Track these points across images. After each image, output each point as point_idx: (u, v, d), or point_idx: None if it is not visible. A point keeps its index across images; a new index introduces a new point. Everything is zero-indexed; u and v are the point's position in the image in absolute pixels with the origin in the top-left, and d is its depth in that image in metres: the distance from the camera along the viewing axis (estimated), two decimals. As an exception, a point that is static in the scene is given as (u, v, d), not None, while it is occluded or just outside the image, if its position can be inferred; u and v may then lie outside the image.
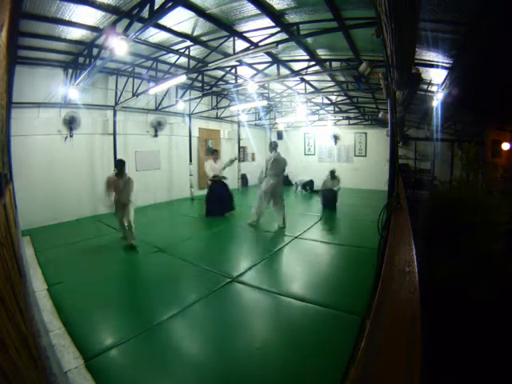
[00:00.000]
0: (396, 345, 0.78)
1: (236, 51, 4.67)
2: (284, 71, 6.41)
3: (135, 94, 6.80)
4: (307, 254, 4.60)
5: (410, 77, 3.42)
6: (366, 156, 12.04)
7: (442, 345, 1.92)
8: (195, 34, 4.88)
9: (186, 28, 4.64)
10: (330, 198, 7.77)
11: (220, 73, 7.01)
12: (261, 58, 6.02)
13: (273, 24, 4.24)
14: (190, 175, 9.40)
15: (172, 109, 8.52)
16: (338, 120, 12.11)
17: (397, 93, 4.12)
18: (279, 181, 5.75)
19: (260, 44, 4.60)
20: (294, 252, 4.65)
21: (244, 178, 12.30)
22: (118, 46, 3.54)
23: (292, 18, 4.14)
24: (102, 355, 2.20)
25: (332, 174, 8.07)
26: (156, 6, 3.31)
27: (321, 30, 4.30)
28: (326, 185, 7.96)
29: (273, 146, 5.76)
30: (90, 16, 4.05)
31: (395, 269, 1.26)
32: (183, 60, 6.02)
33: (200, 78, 7.36)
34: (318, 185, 9.45)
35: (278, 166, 5.69)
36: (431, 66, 4.86)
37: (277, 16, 4.06)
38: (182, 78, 5.47)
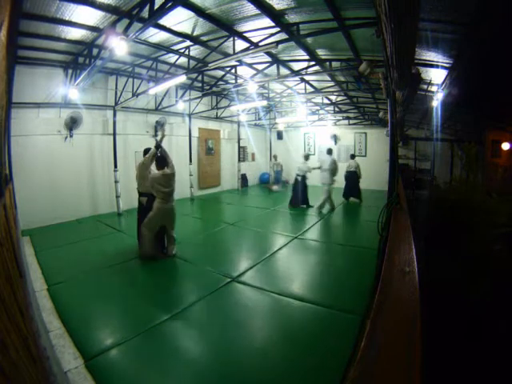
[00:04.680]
0: (396, 344, 0.78)
1: (236, 51, 4.67)
2: (284, 71, 6.41)
3: (135, 94, 6.80)
4: (307, 254, 4.60)
5: (410, 77, 3.42)
6: (366, 156, 12.04)
7: (442, 345, 1.92)
8: (195, 33, 4.88)
9: (185, 28, 4.64)
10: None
11: (220, 73, 7.01)
12: (261, 58, 6.02)
13: (273, 24, 4.24)
14: (190, 175, 9.41)
15: (172, 109, 8.52)
16: (338, 120, 12.11)
17: (397, 93, 4.11)
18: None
19: (260, 44, 4.60)
20: (294, 252, 4.65)
21: (244, 178, 12.31)
22: (118, 46, 3.53)
23: (292, 18, 4.14)
24: (102, 355, 2.20)
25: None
26: (156, 6, 3.31)
27: (321, 29, 4.30)
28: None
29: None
30: (90, 16, 4.04)
31: (395, 269, 1.26)
32: (183, 60, 6.02)
33: (200, 78, 7.36)
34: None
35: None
36: (431, 66, 4.87)
37: (277, 16, 4.06)
38: (182, 78, 5.47)
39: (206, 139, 10.45)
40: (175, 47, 5.42)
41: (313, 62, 5.82)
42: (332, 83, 7.59)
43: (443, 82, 5.30)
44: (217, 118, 10.84)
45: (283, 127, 13.44)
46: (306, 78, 7.26)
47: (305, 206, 7.88)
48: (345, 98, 9.04)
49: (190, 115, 9.54)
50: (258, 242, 5.15)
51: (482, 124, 8.90)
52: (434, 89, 6.02)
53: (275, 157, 11.93)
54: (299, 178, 7.99)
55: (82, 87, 5.76)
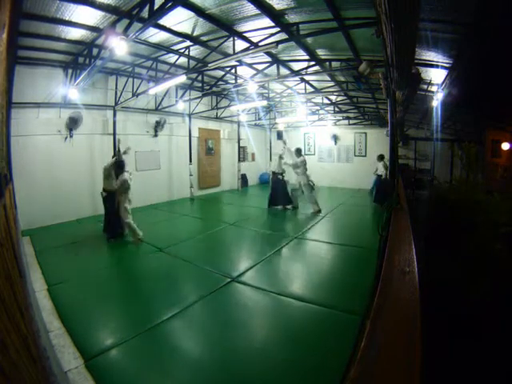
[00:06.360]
0: (396, 345, 0.78)
1: (236, 51, 4.67)
2: (284, 71, 6.41)
3: (135, 94, 6.80)
4: (307, 254, 4.60)
5: (409, 77, 3.42)
6: (365, 156, 12.04)
7: (442, 344, 1.92)
8: (195, 33, 4.88)
9: (185, 28, 4.65)
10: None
11: (220, 73, 7.01)
12: (261, 58, 6.02)
13: (273, 24, 4.24)
14: (190, 175, 9.41)
15: (172, 109, 8.53)
16: (338, 120, 12.11)
17: (397, 93, 4.12)
18: None
19: (260, 44, 4.60)
20: (294, 252, 4.65)
21: (244, 178, 12.31)
22: (118, 46, 3.54)
23: (292, 18, 4.14)
24: (102, 355, 2.20)
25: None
26: (156, 6, 3.31)
27: (321, 30, 4.30)
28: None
29: None
30: (89, 16, 4.05)
31: (395, 269, 1.26)
32: (183, 60, 6.02)
33: (200, 78, 7.37)
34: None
35: None
36: (431, 66, 4.87)
37: (277, 16, 4.06)
38: (182, 78, 5.47)
39: (206, 139, 10.45)
40: (175, 47, 5.42)
41: (313, 62, 5.82)
42: (332, 83, 7.59)
43: (443, 82, 5.31)
44: (217, 118, 10.84)
45: (283, 127, 13.43)
46: (306, 78, 7.25)
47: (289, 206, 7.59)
48: (345, 98, 9.04)
49: (190, 115, 9.54)
50: (258, 242, 5.15)
51: (482, 124, 8.90)
52: (434, 89, 6.02)
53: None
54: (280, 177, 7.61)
55: (82, 87, 5.76)
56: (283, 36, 4.54)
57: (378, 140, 11.50)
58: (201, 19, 4.25)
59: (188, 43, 5.22)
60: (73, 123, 6.41)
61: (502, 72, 4.31)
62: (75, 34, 4.62)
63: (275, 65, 5.96)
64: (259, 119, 12.06)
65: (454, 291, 2.62)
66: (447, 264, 2.92)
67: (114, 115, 7.27)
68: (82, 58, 5.49)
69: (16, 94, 5.08)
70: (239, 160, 11.82)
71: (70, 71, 6.14)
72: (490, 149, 9.19)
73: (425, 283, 1.17)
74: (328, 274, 3.87)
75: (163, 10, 3.25)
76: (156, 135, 8.58)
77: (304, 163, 7.21)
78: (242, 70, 6.91)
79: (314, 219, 6.55)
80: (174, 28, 4.60)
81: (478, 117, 8.13)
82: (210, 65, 4.98)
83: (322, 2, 3.50)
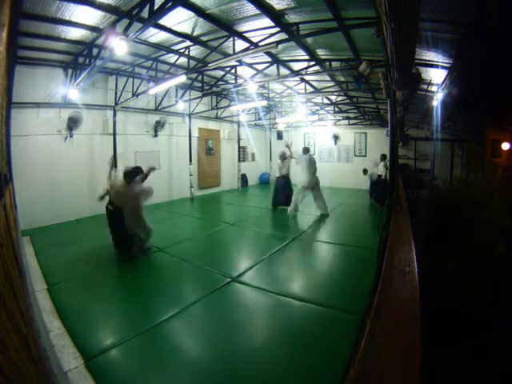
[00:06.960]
0: (396, 344, 0.78)
1: (236, 51, 4.67)
2: (284, 71, 6.41)
3: (135, 94, 6.80)
4: (307, 254, 4.60)
5: (410, 77, 3.42)
6: (366, 156, 12.03)
7: (442, 345, 1.92)
8: (195, 34, 4.88)
9: (185, 28, 4.65)
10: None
11: (220, 73, 7.01)
12: (261, 58, 6.02)
13: (273, 24, 4.24)
14: (190, 175, 9.41)
15: (172, 109, 8.52)
16: (338, 120, 12.10)
17: (397, 93, 4.12)
18: None
19: (260, 44, 4.59)
20: (294, 252, 4.65)
21: (244, 178, 12.31)
22: (118, 46, 3.53)
23: (292, 17, 4.14)
24: (102, 355, 2.20)
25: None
26: (156, 6, 3.31)
27: (321, 30, 4.30)
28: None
29: None
30: (89, 16, 4.05)
31: (395, 269, 1.26)
32: (183, 60, 6.02)
33: (200, 78, 7.37)
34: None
35: None
36: (431, 66, 4.87)
37: (277, 16, 4.06)
38: (182, 78, 5.47)
39: (206, 139, 10.45)
40: (175, 47, 5.42)
41: (313, 62, 5.82)
42: (332, 83, 7.59)
43: (443, 82, 5.31)
44: (217, 118, 10.84)
45: (283, 127, 13.43)
46: (306, 78, 7.25)
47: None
48: (345, 98, 9.04)
49: (190, 115, 9.54)
50: (258, 242, 5.15)
51: (482, 124, 8.90)
52: (434, 89, 6.03)
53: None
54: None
55: (82, 87, 5.76)
56: (283, 36, 4.54)
57: (378, 140, 11.50)
58: (201, 19, 4.25)
59: (188, 43, 5.22)
60: (73, 123, 6.40)
61: (502, 72, 4.32)
62: (75, 33, 4.62)
63: (275, 65, 5.96)
64: (259, 119, 12.06)
65: (453, 291, 2.62)
66: (447, 264, 2.92)
67: (114, 115, 7.26)
68: (82, 58, 5.48)
69: (16, 94, 5.07)
70: (239, 160, 11.82)
71: (70, 71, 6.14)
72: (490, 149, 9.19)
73: (425, 283, 1.17)
74: (328, 273, 3.87)
75: (163, 10, 3.24)
76: (156, 135, 8.58)
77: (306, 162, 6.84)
78: (242, 70, 6.91)
79: (313, 219, 6.54)
80: (174, 28, 4.60)
81: (478, 117, 8.13)
82: (210, 65, 4.98)
83: (322, 2, 3.50)
